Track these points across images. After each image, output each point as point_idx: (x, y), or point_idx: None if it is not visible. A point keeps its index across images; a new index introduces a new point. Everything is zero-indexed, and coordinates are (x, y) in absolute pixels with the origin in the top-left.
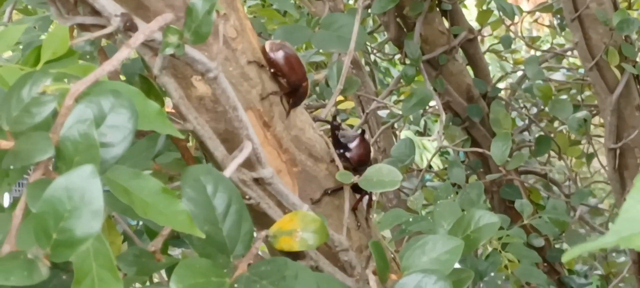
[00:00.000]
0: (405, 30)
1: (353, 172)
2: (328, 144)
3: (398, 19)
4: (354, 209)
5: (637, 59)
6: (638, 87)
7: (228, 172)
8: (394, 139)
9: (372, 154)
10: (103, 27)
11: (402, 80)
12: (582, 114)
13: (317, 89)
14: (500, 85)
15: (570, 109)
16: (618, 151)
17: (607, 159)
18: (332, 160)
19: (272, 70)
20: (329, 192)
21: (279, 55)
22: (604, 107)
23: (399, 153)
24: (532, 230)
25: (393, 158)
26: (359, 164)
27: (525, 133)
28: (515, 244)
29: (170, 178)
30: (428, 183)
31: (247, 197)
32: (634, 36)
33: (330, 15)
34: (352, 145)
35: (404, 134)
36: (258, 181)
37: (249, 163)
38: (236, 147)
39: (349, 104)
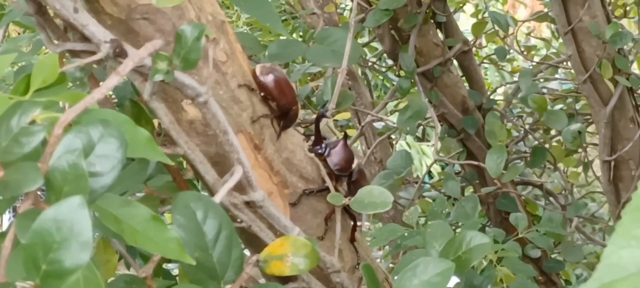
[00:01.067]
0: (399, 42)
1: (335, 180)
2: (319, 166)
3: (392, 32)
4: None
5: (632, 70)
6: (632, 99)
7: (219, 197)
8: (391, 149)
9: (355, 162)
10: (93, 53)
11: (397, 93)
12: (576, 126)
13: (314, 99)
14: (499, 90)
15: (565, 120)
16: (613, 163)
17: (601, 171)
18: (324, 181)
19: (262, 94)
20: (307, 192)
21: (268, 79)
22: (598, 119)
23: (395, 165)
24: (528, 241)
25: (389, 171)
26: (339, 170)
27: (521, 143)
28: (510, 258)
29: (162, 201)
30: (425, 194)
31: (238, 220)
32: (628, 48)
33: (324, 30)
34: (334, 150)
35: (401, 144)
36: (249, 204)
37: (240, 187)
38: (227, 170)
39: (345, 115)
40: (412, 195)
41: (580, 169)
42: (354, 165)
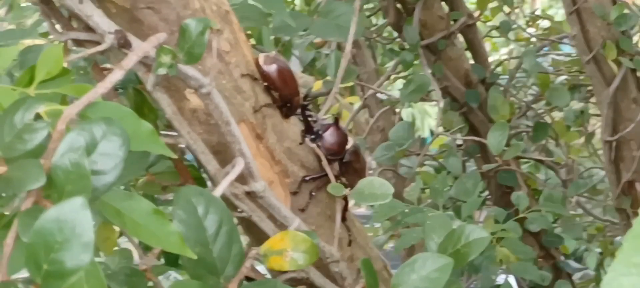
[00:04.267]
0: (404, 15)
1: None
2: (320, 156)
3: (397, 4)
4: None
5: (637, 49)
6: (635, 80)
7: (220, 189)
8: (394, 116)
9: (349, 143)
10: (97, 42)
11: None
12: (579, 105)
13: (318, 65)
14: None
15: (567, 97)
16: (614, 143)
17: (603, 151)
18: (322, 168)
19: (265, 84)
20: (307, 179)
21: (271, 69)
22: (601, 99)
23: (397, 137)
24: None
25: (391, 142)
26: (331, 154)
27: (523, 117)
28: (510, 239)
29: (164, 188)
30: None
31: (239, 210)
32: (633, 30)
33: (329, 3)
34: (325, 134)
35: (405, 112)
36: (250, 194)
37: (241, 177)
38: (229, 158)
39: (354, 99)
40: (415, 164)
41: (582, 140)
42: (348, 146)
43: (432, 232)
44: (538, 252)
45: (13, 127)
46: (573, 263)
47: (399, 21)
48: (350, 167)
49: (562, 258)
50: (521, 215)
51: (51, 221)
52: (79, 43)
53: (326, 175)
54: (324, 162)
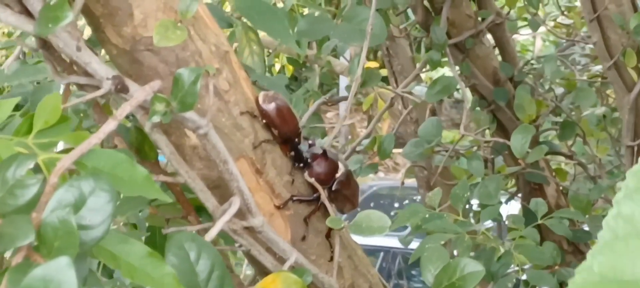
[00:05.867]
0: (432, 13)
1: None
2: (318, 188)
3: (425, 2)
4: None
5: None
6: None
7: (216, 228)
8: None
9: (340, 171)
10: (97, 86)
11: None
12: (601, 110)
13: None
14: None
15: (593, 97)
16: (636, 148)
17: (625, 156)
18: (314, 191)
19: (264, 121)
20: (294, 199)
21: (270, 107)
22: (622, 105)
23: (426, 133)
24: (556, 209)
25: (420, 138)
26: (319, 182)
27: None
28: (527, 246)
29: (167, 221)
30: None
31: (238, 244)
32: None
33: (353, 8)
34: (314, 163)
35: None
36: (249, 229)
37: (240, 212)
38: (229, 193)
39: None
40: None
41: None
42: (337, 174)
43: (428, 263)
44: (566, 248)
45: (5, 182)
46: None
47: (427, 20)
48: (340, 194)
49: None
50: (540, 221)
51: (38, 280)
52: (80, 86)
53: (321, 203)
54: (318, 187)
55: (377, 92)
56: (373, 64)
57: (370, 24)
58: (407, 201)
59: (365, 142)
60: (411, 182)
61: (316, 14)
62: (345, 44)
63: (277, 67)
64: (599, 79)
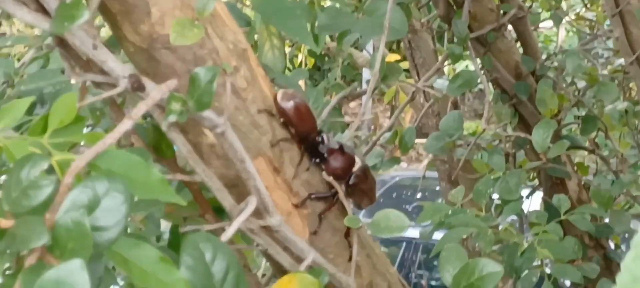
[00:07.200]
0: (454, 7)
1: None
2: (336, 186)
3: None
4: (321, 214)
5: None
6: None
7: (233, 227)
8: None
9: (357, 165)
10: (114, 85)
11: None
12: (623, 105)
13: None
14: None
15: (616, 92)
16: None
17: None
18: (330, 187)
19: (281, 119)
20: (312, 197)
21: (288, 105)
22: None
23: (448, 127)
24: (578, 203)
25: (441, 132)
26: (336, 177)
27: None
28: (549, 241)
29: (184, 219)
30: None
31: (255, 243)
32: None
33: (373, 2)
34: (330, 157)
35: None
36: (266, 228)
37: (257, 211)
38: (247, 192)
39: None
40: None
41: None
42: (355, 169)
43: (447, 263)
44: (588, 242)
45: (19, 182)
46: (623, 254)
47: (448, 14)
48: (357, 189)
49: (612, 247)
50: (563, 218)
51: (51, 282)
52: (96, 84)
53: (337, 200)
54: (335, 185)
55: (398, 84)
56: (394, 57)
57: (388, 18)
58: (428, 192)
59: (387, 135)
60: (433, 172)
61: (337, 5)
62: (367, 38)
63: (300, 57)
64: (622, 73)
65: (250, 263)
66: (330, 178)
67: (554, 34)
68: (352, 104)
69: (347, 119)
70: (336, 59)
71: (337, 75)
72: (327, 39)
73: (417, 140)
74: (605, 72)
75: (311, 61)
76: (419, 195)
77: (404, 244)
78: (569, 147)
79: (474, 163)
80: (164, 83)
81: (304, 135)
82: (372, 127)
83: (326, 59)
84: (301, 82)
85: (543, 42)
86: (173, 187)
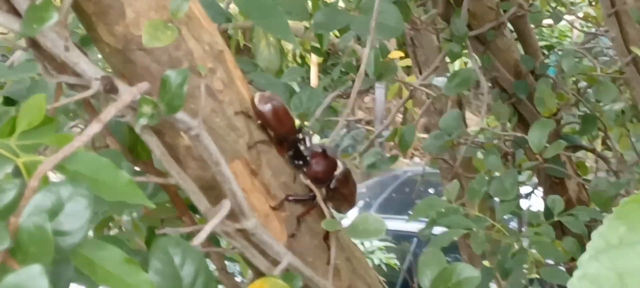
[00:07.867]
0: (453, 5)
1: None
2: (313, 189)
3: None
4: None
5: None
6: None
7: (206, 230)
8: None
9: (338, 169)
10: (87, 86)
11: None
12: (619, 105)
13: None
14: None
15: (615, 92)
16: None
17: None
18: (309, 191)
19: (259, 122)
20: (290, 199)
21: (266, 108)
22: None
23: (447, 126)
24: (578, 203)
25: (440, 131)
26: (316, 180)
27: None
28: (542, 242)
29: (162, 221)
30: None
31: (231, 246)
32: None
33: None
34: (312, 160)
35: None
36: (242, 231)
37: (233, 214)
38: (224, 194)
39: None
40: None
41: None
42: (336, 173)
43: (425, 267)
44: (588, 242)
45: None
46: None
47: (447, 12)
48: (337, 193)
49: None
50: (556, 219)
51: (10, 287)
52: (71, 85)
53: (316, 204)
54: (313, 188)
55: (401, 82)
56: (397, 54)
57: (374, 17)
58: (441, 187)
59: (386, 133)
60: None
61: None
62: (364, 36)
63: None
64: (620, 73)
65: (242, 270)
66: (308, 182)
67: (569, 30)
68: (366, 99)
69: (360, 114)
70: (341, 56)
71: (338, 72)
72: (332, 35)
73: (426, 136)
74: (609, 71)
75: (310, 59)
76: (431, 190)
77: (415, 240)
78: (568, 147)
79: (474, 163)
80: (135, 86)
81: (282, 137)
82: (385, 121)
83: (329, 55)
84: (313, 77)
85: (557, 37)
86: (149, 190)
